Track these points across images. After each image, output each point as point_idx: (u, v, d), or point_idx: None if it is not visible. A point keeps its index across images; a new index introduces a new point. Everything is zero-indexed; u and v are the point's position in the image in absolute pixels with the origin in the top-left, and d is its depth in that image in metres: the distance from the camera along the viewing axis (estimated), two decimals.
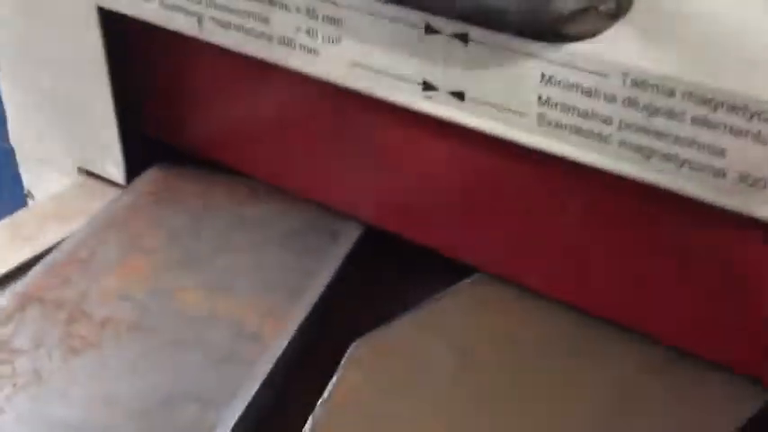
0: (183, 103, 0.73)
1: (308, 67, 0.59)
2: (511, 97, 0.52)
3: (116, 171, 0.76)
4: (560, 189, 0.56)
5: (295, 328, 0.60)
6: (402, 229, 0.65)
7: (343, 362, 0.57)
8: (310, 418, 0.53)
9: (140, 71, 0.73)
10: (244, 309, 0.61)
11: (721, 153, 0.46)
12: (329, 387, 0.55)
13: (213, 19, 0.62)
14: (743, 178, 0.45)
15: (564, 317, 0.58)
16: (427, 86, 0.55)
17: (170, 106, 0.74)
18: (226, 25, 0.62)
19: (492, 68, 0.52)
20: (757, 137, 0.44)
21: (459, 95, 0.54)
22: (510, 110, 0.53)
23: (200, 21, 0.63)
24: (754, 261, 0.50)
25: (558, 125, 0.51)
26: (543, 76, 0.50)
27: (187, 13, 0.63)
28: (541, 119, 0.51)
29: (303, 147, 0.68)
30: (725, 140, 0.45)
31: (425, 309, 0.60)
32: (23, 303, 0.62)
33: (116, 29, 0.69)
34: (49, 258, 0.66)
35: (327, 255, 0.66)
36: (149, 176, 0.75)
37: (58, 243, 0.69)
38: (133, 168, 0.75)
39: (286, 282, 0.63)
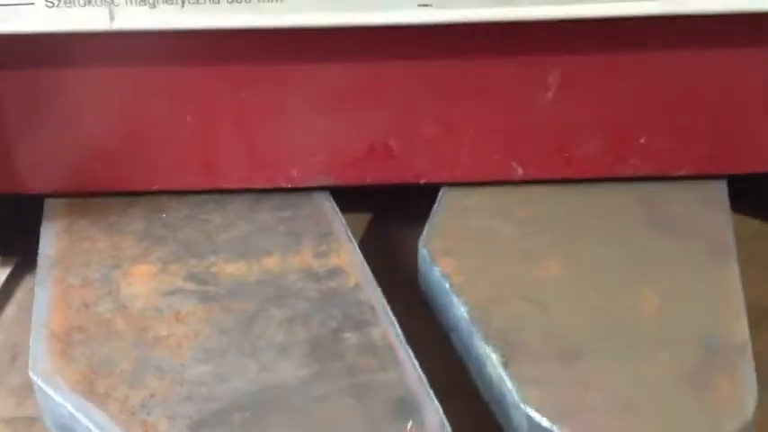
0: (73, 142, 0.65)
1: (270, 16, 0.59)
2: None
3: None
4: (531, 68, 0.64)
5: (357, 250, 0.60)
6: (383, 178, 0.67)
7: (424, 255, 0.60)
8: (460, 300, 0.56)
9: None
10: (294, 259, 0.60)
11: None
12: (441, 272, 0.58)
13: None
14: None
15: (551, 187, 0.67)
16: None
17: (54, 150, 0.66)
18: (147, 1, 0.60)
19: None
20: None
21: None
22: None
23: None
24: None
25: None
26: None
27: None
28: None
29: (235, 135, 0.66)
30: None
31: (442, 209, 0.65)
32: (69, 340, 0.54)
33: None
34: (40, 296, 0.58)
35: (315, 202, 0.66)
36: (54, 214, 0.66)
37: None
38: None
39: (304, 229, 0.63)
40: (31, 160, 0.66)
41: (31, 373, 0.52)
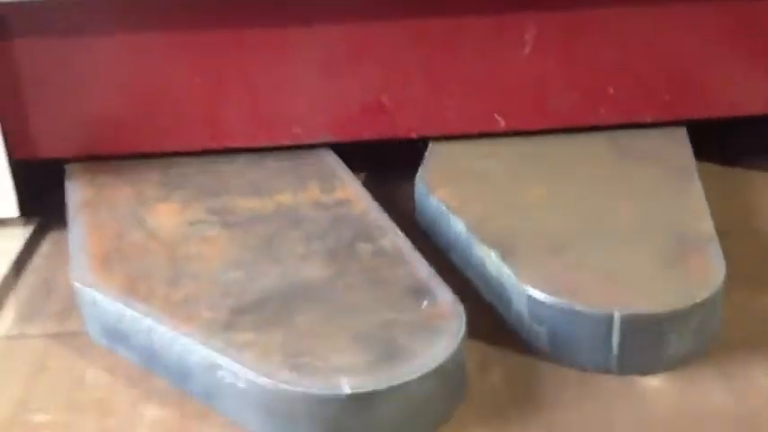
0: (89, 106, 0.71)
1: None
2: None
3: (7, 205, 0.72)
4: (508, 26, 0.72)
5: (360, 186, 0.67)
6: (378, 133, 0.73)
7: (421, 188, 0.67)
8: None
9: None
10: (303, 195, 0.66)
11: None
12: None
13: None
14: None
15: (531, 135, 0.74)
16: None
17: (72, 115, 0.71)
18: None
19: None
20: None
21: None
22: None
23: None
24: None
25: None
26: None
27: None
28: None
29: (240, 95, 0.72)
30: None
31: (433, 156, 0.71)
32: (107, 258, 0.59)
33: None
34: (73, 231, 0.63)
35: (318, 154, 0.73)
36: (77, 174, 0.71)
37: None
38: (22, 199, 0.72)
39: (309, 174, 0.69)
40: (51, 127, 0.72)
41: (75, 284, 0.57)
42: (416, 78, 0.73)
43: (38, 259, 0.69)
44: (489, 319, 0.58)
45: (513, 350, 0.55)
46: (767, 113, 0.74)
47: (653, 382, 0.52)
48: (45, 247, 0.71)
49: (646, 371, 0.52)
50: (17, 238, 0.71)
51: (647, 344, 0.52)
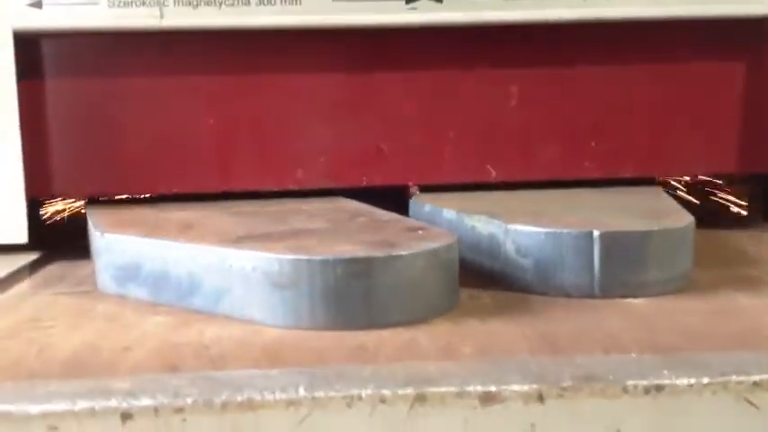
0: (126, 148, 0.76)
1: (291, 17, 0.74)
2: None
3: (18, 231, 0.75)
4: (499, 80, 0.80)
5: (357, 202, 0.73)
6: (377, 180, 0.78)
7: (415, 203, 0.72)
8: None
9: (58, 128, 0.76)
10: (307, 205, 0.71)
11: None
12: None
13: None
14: None
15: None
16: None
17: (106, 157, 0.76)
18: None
19: None
20: None
21: None
22: None
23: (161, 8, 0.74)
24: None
25: None
26: None
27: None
28: None
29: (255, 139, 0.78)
30: None
31: (421, 194, 0.78)
32: (122, 224, 0.64)
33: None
34: (92, 214, 0.68)
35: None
36: (93, 205, 0.77)
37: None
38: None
39: (309, 198, 0.75)
40: (66, 167, 0.76)
41: (95, 233, 0.61)
42: (414, 128, 0.79)
43: (51, 267, 0.72)
44: (479, 276, 0.61)
45: (502, 289, 0.59)
46: (742, 173, 0.82)
47: (636, 301, 0.55)
48: (57, 261, 0.73)
49: (628, 294, 0.56)
50: (27, 258, 0.74)
51: (627, 265, 0.56)
